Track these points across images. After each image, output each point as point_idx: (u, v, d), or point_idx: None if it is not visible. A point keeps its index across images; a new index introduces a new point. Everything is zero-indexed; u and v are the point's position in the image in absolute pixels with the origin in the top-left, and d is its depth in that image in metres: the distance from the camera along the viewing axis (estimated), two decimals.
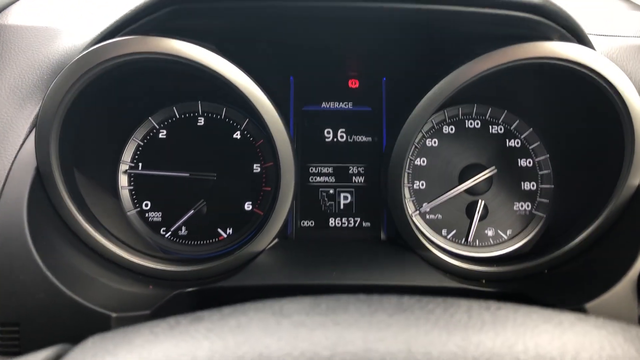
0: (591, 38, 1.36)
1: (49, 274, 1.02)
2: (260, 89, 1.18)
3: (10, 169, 1.11)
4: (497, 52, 1.12)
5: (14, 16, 1.33)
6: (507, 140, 1.45)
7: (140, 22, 1.05)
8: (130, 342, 0.60)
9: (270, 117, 1.20)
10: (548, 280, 1.25)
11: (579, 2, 1.90)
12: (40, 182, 1.13)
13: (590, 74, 1.12)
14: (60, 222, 1.17)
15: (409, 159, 1.43)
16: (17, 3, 1.38)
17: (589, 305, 1.05)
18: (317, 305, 0.66)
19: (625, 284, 1.08)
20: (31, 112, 1.15)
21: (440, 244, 1.41)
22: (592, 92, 1.17)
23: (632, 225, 1.17)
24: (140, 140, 1.41)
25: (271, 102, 1.20)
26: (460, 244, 1.43)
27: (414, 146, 1.44)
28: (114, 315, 1.02)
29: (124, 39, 1.07)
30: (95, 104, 1.23)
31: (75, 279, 1.09)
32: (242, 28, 1.16)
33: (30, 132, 1.13)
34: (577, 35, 1.12)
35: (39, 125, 1.11)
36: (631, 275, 1.09)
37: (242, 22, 1.13)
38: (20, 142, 1.14)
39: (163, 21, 1.04)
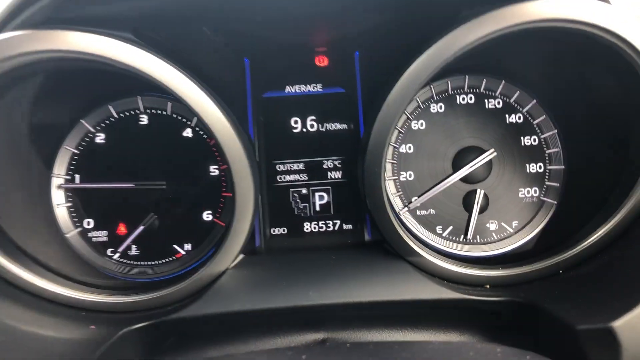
0: None
1: None
2: (196, 81, 0.96)
3: None
4: (489, 16, 0.90)
5: None
6: (507, 116, 1.23)
7: (28, 11, 0.82)
8: None
9: (210, 115, 0.99)
10: (563, 286, 1.04)
11: None
12: None
13: (604, 34, 0.90)
14: None
15: (392, 147, 1.22)
16: None
17: (616, 324, 0.85)
18: None
19: None
20: None
21: (435, 244, 1.21)
22: (606, 54, 0.95)
23: None
24: (74, 149, 1.20)
25: (211, 96, 0.98)
26: (459, 242, 1.23)
27: (397, 131, 1.22)
28: None
29: (9, 37, 0.84)
30: (4, 114, 1.02)
31: None
32: (164, 11, 0.93)
33: None
34: None
35: None
36: None
37: (160, 4, 0.89)
38: None
39: (57, 9, 0.81)
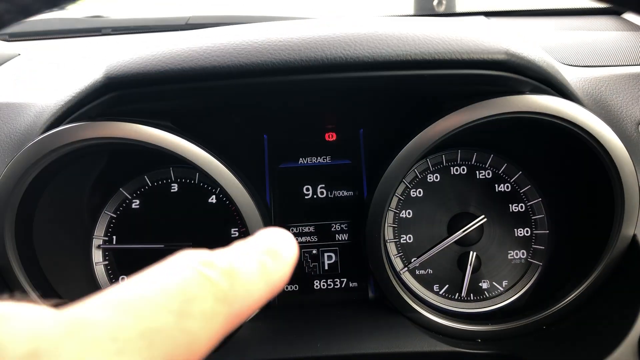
0: (576, 70, 1.30)
1: None
2: (220, 158, 1.13)
3: None
4: (464, 110, 1.05)
5: None
6: (496, 185, 1.37)
7: (86, 108, 1.01)
8: None
9: (232, 187, 1.14)
10: (545, 340, 1.16)
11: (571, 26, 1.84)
12: (1, 278, 1.08)
13: (568, 125, 1.05)
14: None
15: (393, 212, 1.36)
16: None
17: None
18: None
19: (625, 348, 0.99)
20: None
21: (432, 302, 1.33)
22: (575, 142, 1.09)
23: (631, 280, 1.08)
24: (112, 213, 1.36)
25: (232, 170, 1.14)
26: (454, 299, 1.35)
27: (397, 198, 1.36)
28: None
29: (67, 128, 1.03)
30: (55, 186, 1.19)
31: None
32: (196, 106, 1.11)
33: None
34: (551, 85, 1.05)
35: None
36: (631, 337, 1.00)
37: (193, 102, 1.08)
38: None
39: (110, 105, 1.00)
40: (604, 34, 1.69)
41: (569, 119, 1.03)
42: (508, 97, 1.03)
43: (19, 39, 1.90)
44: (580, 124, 1.03)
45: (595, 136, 1.04)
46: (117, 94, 0.96)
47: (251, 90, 0.98)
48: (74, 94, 1.02)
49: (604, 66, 1.35)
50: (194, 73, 0.94)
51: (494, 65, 0.96)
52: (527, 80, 1.01)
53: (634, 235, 1.09)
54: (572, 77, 1.22)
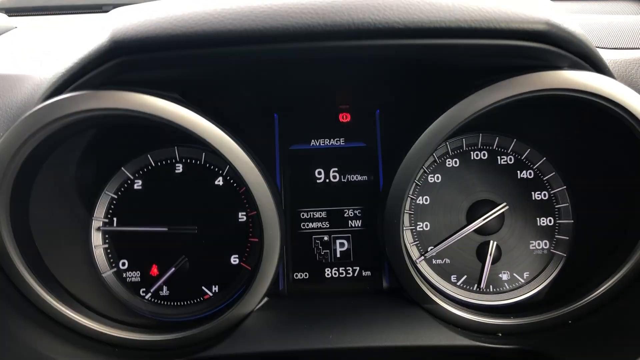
0: (610, 53, 1.23)
1: None
2: (231, 134, 1.05)
3: None
4: (500, 86, 0.98)
5: None
6: (519, 172, 1.30)
7: (90, 75, 0.93)
8: None
9: (243, 165, 1.07)
10: (572, 335, 1.09)
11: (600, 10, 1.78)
12: None
13: (606, 103, 0.98)
14: (21, 298, 1.05)
15: (409, 198, 1.29)
16: None
17: None
18: None
19: None
20: None
21: (450, 293, 1.26)
22: (610, 121, 1.02)
23: None
24: (113, 194, 1.29)
25: (243, 147, 1.07)
26: (473, 290, 1.28)
27: (414, 183, 1.29)
28: None
29: (69, 96, 0.95)
30: (55, 162, 1.11)
31: None
32: (207, 76, 1.03)
33: None
34: (590, 62, 0.98)
35: None
36: None
37: (205, 71, 1.00)
38: None
39: (116, 72, 0.92)
40: (625, 18, 1.63)
41: (610, 96, 0.96)
42: (547, 73, 0.96)
43: (16, 14, 1.81)
44: (620, 102, 0.96)
45: (636, 114, 0.97)
46: (123, 60, 0.88)
47: (270, 57, 0.90)
48: (76, 61, 0.94)
49: (631, 49, 1.29)
50: (206, 37, 0.86)
51: (534, 36, 0.88)
52: (567, 55, 0.94)
53: None
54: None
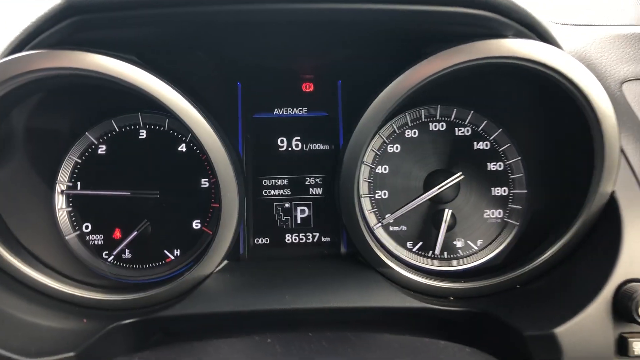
0: (563, 28, 1.27)
1: None
2: (192, 100, 1.07)
3: None
4: (444, 54, 1.02)
5: None
6: (475, 143, 1.34)
7: (45, 34, 0.94)
8: None
9: (203, 131, 1.09)
10: (518, 298, 1.14)
11: None
12: None
13: (551, 72, 1.01)
14: None
15: (369, 167, 1.32)
16: None
17: (558, 330, 0.95)
18: None
19: (598, 304, 0.98)
20: None
21: (405, 258, 1.30)
22: (557, 93, 1.06)
23: (608, 237, 1.06)
24: (77, 158, 1.30)
25: (204, 114, 1.09)
26: (428, 256, 1.32)
27: (374, 153, 1.33)
28: None
29: (21, 55, 0.96)
30: (16, 124, 1.13)
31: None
32: (165, 38, 1.05)
33: None
34: (535, 31, 1.01)
35: None
36: (605, 293, 0.99)
37: (161, 32, 1.01)
38: None
39: (71, 32, 0.93)
40: None
41: (551, 64, 1.00)
42: (489, 41, 0.99)
43: None
44: (561, 70, 1.00)
45: (577, 83, 1.01)
46: (78, 19, 0.90)
47: (226, 18, 0.92)
48: (31, 21, 0.95)
49: (591, 25, 1.32)
50: None
51: (477, 3, 0.91)
52: (510, 23, 0.97)
53: (613, 193, 1.07)
54: (558, 34, 1.18)
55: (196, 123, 1.10)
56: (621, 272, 0.98)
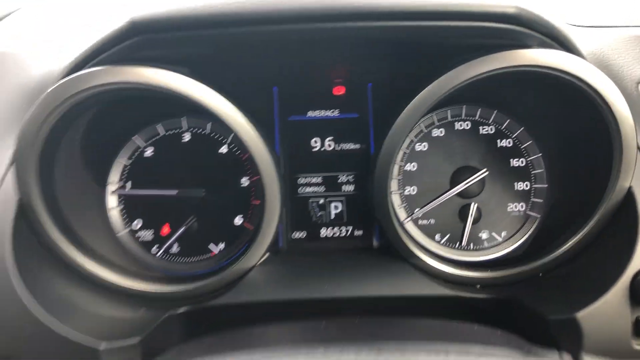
0: (580, 31, 1.34)
1: (34, 307, 1.03)
2: (235, 106, 1.17)
3: None
4: (473, 63, 1.10)
5: None
6: (499, 141, 1.42)
7: (110, 52, 1.04)
8: None
9: (247, 134, 1.18)
10: (541, 285, 1.23)
11: None
12: (24, 214, 1.13)
13: (572, 79, 1.09)
14: (48, 252, 1.17)
15: (398, 165, 1.41)
16: None
17: (579, 314, 1.03)
18: None
19: (617, 290, 1.06)
20: (10, 144, 1.15)
21: (434, 250, 1.39)
22: (577, 96, 1.14)
23: (625, 228, 1.14)
24: (126, 160, 1.40)
25: (247, 118, 1.18)
26: (455, 248, 1.41)
27: (403, 152, 1.41)
28: (101, 347, 1.02)
29: (92, 71, 1.06)
30: (75, 131, 1.23)
31: (63, 309, 1.10)
32: (215, 53, 1.14)
33: (10, 165, 1.13)
34: (558, 41, 1.09)
35: (17, 159, 1.10)
36: (623, 280, 1.07)
37: (213, 49, 1.11)
38: (2, 175, 1.14)
39: (133, 50, 1.03)
40: None
41: (573, 72, 1.08)
42: (515, 51, 1.08)
43: None
44: (583, 78, 1.08)
45: (598, 90, 1.09)
46: (141, 39, 0.99)
47: (272, 38, 1.02)
48: (96, 40, 1.05)
49: (607, 27, 1.39)
50: (216, 20, 0.97)
51: (504, 18, 1.00)
52: (535, 35, 1.05)
53: (630, 187, 1.15)
54: (575, 36, 1.26)
55: (240, 127, 1.19)
56: (638, 261, 1.07)
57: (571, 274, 1.21)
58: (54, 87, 1.07)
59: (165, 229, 1.40)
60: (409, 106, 1.20)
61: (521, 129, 1.40)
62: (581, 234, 1.20)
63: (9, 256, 1.07)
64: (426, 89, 1.16)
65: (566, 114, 1.30)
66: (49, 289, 1.12)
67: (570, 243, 1.22)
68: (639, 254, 1.07)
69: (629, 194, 1.15)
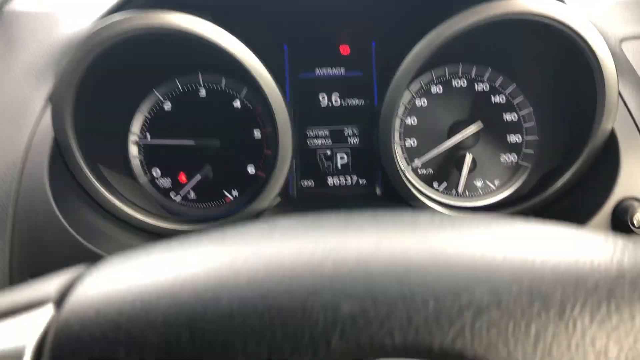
0: None
1: (71, 231, 1.13)
2: (257, 58, 1.27)
3: (30, 141, 1.21)
4: (470, 11, 1.22)
5: (21, 3, 1.42)
6: (493, 97, 1.53)
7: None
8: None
9: (268, 85, 1.28)
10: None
11: None
12: (59, 151, 1.23)
13: (561, 26, 1.20)
14: (79, 187, 1.27)
15: (399, 119, 1.52)
16: None
17: None
18: None
19: (599, 218, 1.18)
20: (45, 90, 1.24)
21: (432, 196, 1.50)
22: (565, 45, 1.25)
23: (608, 166, 1.26)
24: (147, 113, 1.50)
25: (268, 70, 1.28)
26: (452, 195, 1.52)
27: (404, 106, 1.52)
28: None
29: (126, 16, 1.16)
30: (104, 79, 1.32)
31: (93, 235, 1.20)
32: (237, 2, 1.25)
33: (45, 107, 1.22)
34: None
35: (54, 101, 1.20)
36: (605, 209, 1.19)
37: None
38: (38, 118, 1.23)
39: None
40: None
41: (562, 20, 1.19)
42: (508, 0, 1.19)
43: None
44: (569, 24, 1.19)
45: (584, 36, 1.20)
46: None
47: None
48: None
49: None
50: None
51: None
52: None
53: (612, 129, 1.26)
54: None
55: (264, 79, 1.29)
56: (619, 191, 1.18)
57: (560, 210, 1.32)
58: (90, 32, 1.17)
59: (182, 177, 1.50)
60: (405, 61, 1.31)
61: (513, 85, 1.52)
62: (568, 174, 1.31)
63: (46, 188, 1.17)
64: (421, 41, 1.27)
65: (554, 67, 1.42)
66: (81, 218, 1.22)
67: (559, 183, 1.33)
68: (620, 185, 1.19)
69: (612, 135, 1.26)
